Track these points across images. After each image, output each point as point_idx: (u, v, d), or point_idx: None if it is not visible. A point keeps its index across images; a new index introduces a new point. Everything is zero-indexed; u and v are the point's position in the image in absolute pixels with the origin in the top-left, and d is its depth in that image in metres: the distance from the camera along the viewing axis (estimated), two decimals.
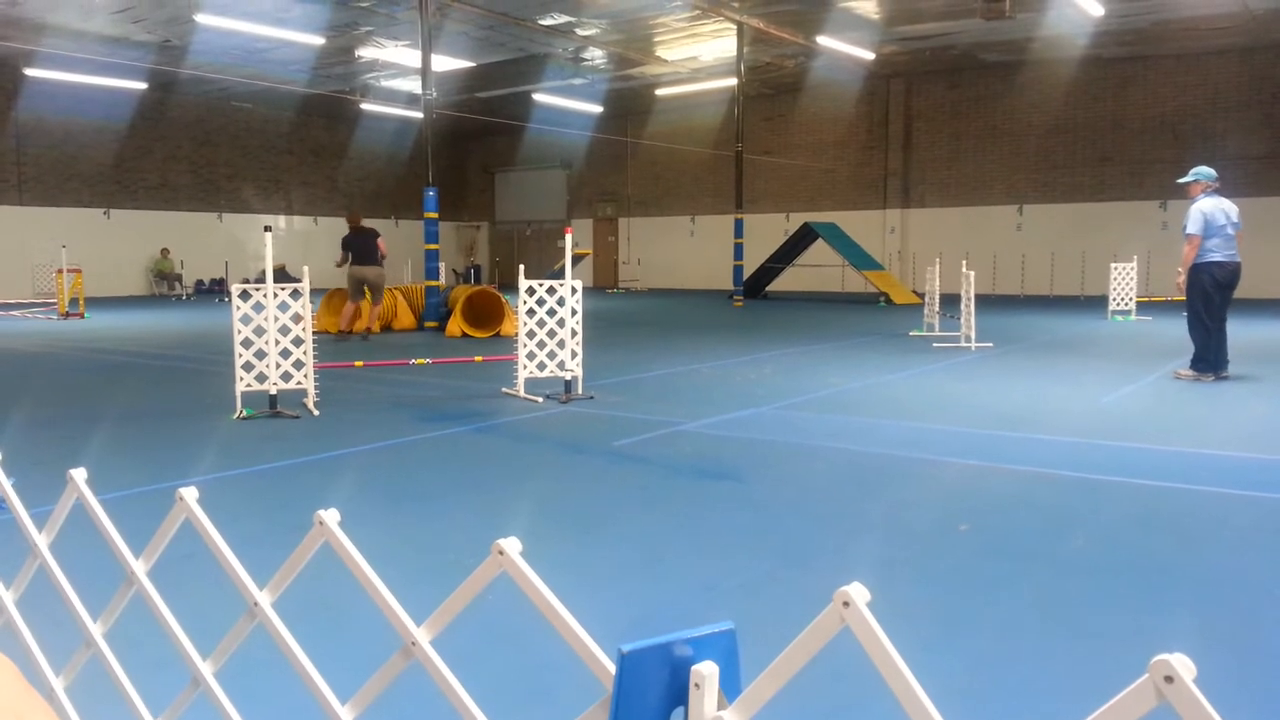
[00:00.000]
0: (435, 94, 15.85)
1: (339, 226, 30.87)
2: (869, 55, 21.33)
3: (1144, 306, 16.81)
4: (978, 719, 2.48)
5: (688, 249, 29.14)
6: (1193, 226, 8.39)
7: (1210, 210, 8.39)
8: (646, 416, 6.90)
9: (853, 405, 7.48)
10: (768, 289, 23.88)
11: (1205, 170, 8.65)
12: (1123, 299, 15.79)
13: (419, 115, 17.71)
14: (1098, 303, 18.55)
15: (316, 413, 7.04)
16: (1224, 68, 21.31)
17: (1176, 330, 13.76)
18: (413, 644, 1.46)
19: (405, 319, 14.75)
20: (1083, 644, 2.94)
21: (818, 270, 23.64)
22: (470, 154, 34.10)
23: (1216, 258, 8.39)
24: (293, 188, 29.70)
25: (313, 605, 3.08)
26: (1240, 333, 12.97)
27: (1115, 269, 15.98)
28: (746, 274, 22.24)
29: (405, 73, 23.08)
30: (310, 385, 7.14)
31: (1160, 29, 19.44)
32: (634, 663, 1.20)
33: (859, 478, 5.20)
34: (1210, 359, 8.58)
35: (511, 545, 1.35)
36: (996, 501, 4.65)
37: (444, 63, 20.61)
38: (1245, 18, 18.28)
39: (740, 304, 20.75)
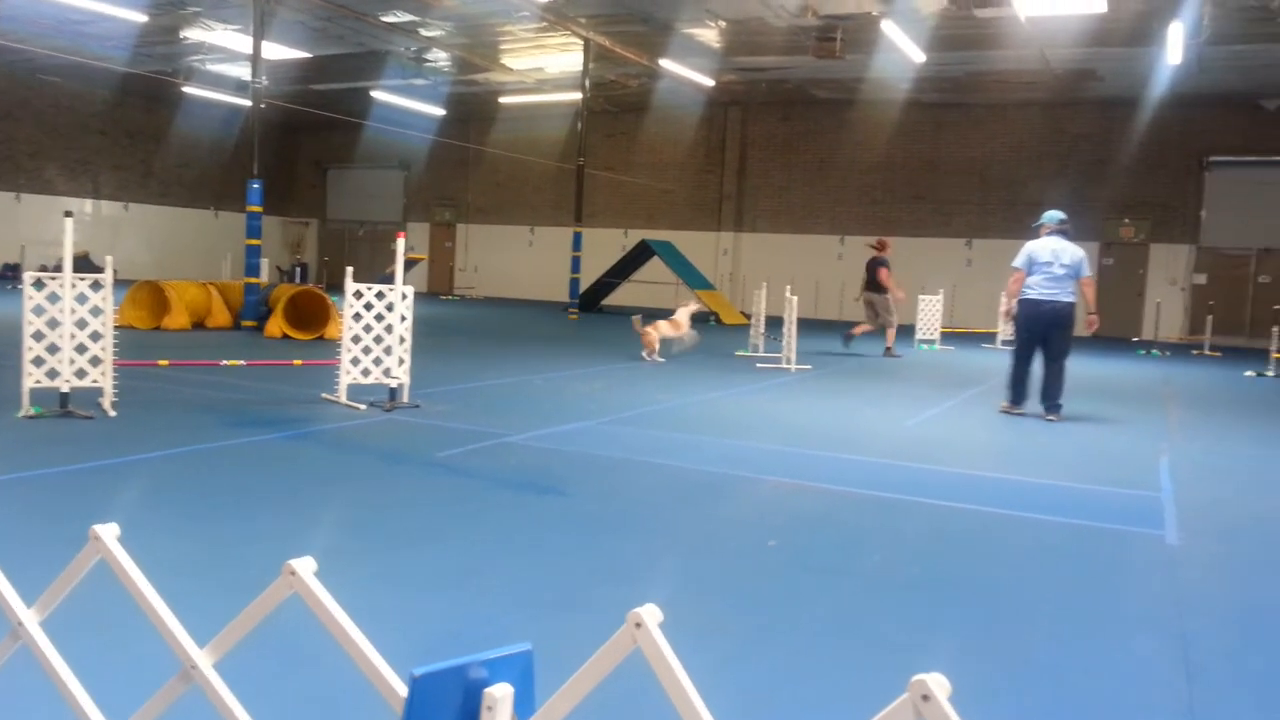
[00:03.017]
0: (266, 83, 15.16)
1: (151, 213, 29.05)
2: (709, 82, 21.93)
3: (948, 337, 17.97)
4: None
5: (526, 259, 29.01)
6: (1015, 261, 8.71)
7: (1035, 249, 8.59)
8: (473, 427, 6.82)
9: (678, 422, 7.64)
10: (603, 303, 24.09)
11: (1049, 214, 8.92)
12: (929, 329, 16.85)
13: (247, 103, 16.89)
14: (906, 331, 19.69)
15: (113, 413, 6.57)
16: (1028, 119, 23.15)
17: (976, 360, 14.81)
18: (192, 667, 1.39)
19: (221, 317, 13.99)
20: (877, 655, 3.12)
21: (652, 287, 24.03)
22: (302, 148, 32.76)
23: (1031, 295, 8.53)
24: (103, 171, 27.65)
25: (90, 625, 2.87)
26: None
27: (923, 301, 17.04)
28: (583, 287, 22.36)
29: (234, 58, 21.93)
30: (108, 384, 6.66)
31: (974, 79, 20.93)
32: (425, 686, 1.19)
33: (679, 493, 5.32)
34: (1016, 391, 8.81)
35: (304, 565, 1.31)
36: (805, 518, 4.86)
37: (277, 51, 19.72)
38: (1048, 75, 19.94)
39: (575, 317, 20.83)
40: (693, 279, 22.16)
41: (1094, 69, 19.33)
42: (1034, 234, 8.98)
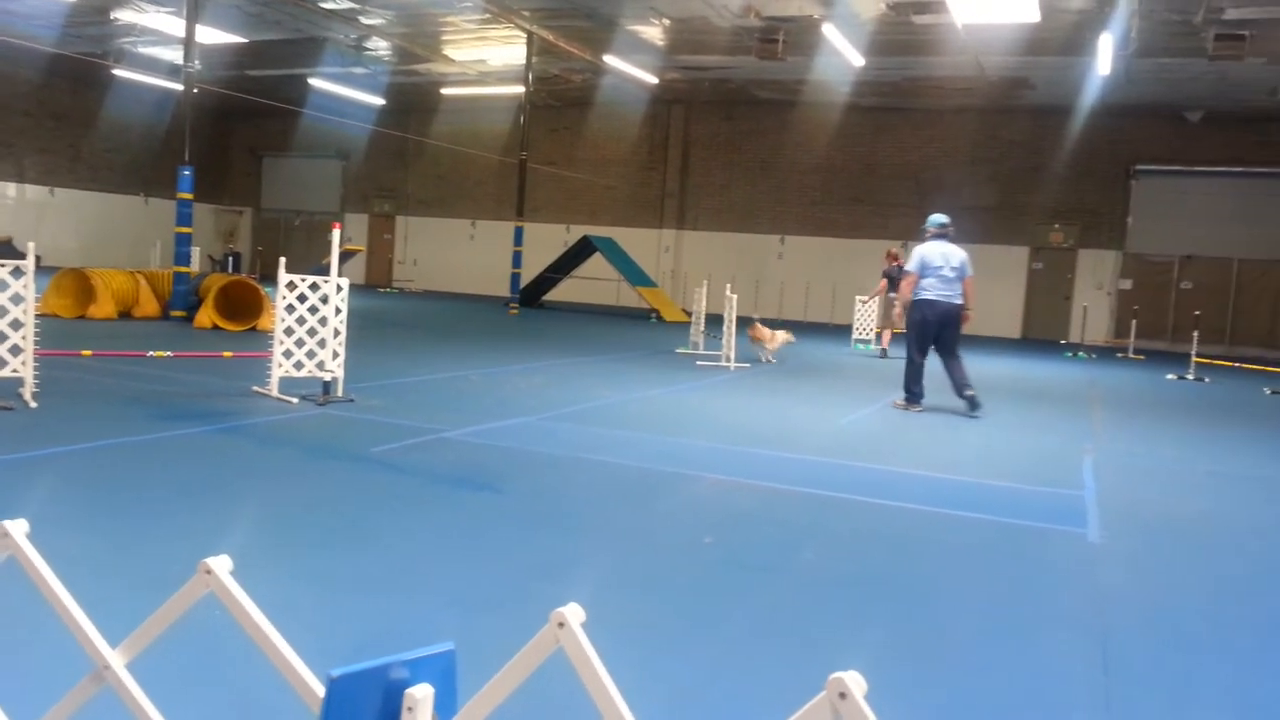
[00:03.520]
0: (199, 67, 14.79)
1: (78, 199, 28.13)
2: (653, 79, 21.96)
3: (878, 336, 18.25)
4: None
5: (466, 253, 28.76)
6: (909, 265, 9.14)
7: (927, 252, 8.97)
8: (409, 422, 6.74)
9: (616, 419, 7.65)
10: (544, 298, 24.00)
11: (933, 218, 9.32)
12: (864, 329, 17.12)
13: (179, 88, 16.45)
14: (844, 331, 19.96)
15: (34, 404, 6.35)
16: (962, 125, 23.62)
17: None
18: (105, 668, 1.35)
19: (149, 306, 13.61)
20: (806, 652, 3.15)
21: (594, 283, 24.01)
22: (237, 134, 32.02)
23: (928, 296, 8.91)
24: (27, 154, 26.70)
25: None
26: (976, 364, 14.39)
27: (860, 301, 17.32)
28: (524, 282, 22.24)
29: (167, 41, 21.35)
30: (29, 374, 6.44)
31: (911, 84, 21.28)
32: (343, 687, 1.17)
33: (617, 490, 5.32)
34: (915, 390, 9.15)
35: (220, 564, 1.28)
36: (741, 515, 4.90)
37: (211, 35, 19.24)
38: (982, 81, 20.37)
39: (516, 312, 20.72)
40: (634, 276, 22.18)
41: (1027, 77, 19.79)
42: (920, 235, 9.33)
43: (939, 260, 8.91)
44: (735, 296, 12.24)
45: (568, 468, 5.76)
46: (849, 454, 6.72)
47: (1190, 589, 4.17)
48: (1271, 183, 21.32)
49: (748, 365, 12.09)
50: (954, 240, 9.20)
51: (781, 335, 13.52)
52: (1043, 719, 2.77)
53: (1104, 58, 15.94)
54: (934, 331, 8.97)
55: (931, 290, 8.91)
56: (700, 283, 15.57)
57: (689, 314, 18.61)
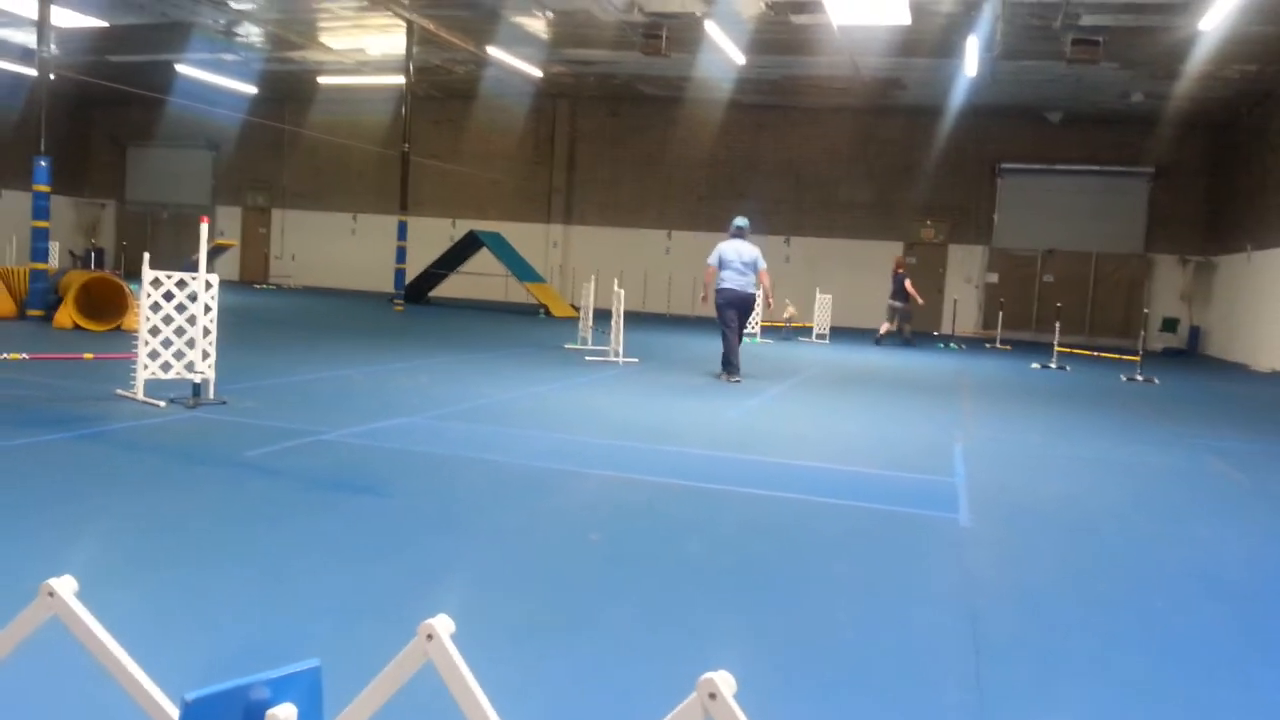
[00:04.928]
0: (56, 52, 13.95)
1: None
2: (537, 73, 21.81)
3: (766, 330, 18.63)
4: None
5: (348, 247, 28.01)
6: (709, 259, 10.72)
7: (723, 248, 10.65)
8: (285, 424, 6.51)
9: (504, 416, 7.57)
10: (430, 294, 23.58)
11: (736, 221, 11.07)
12: (749, 323, 17.39)
13: (34, 73, 15.47)
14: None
15: None
16: (839, 124, 24.28)
17: (794, 353, 15.43)
18: None
19: (4, 306, 12.78)
20: (689, 645, 3.19)
21: (481, 279, 23.72)
22: (98, 123, 30.34)
23: (724, 286, 10.56)
24: None
25: None
26: (856, 356, 14.85)
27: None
28: (409, 278, 21.80)
29: (19, 23, 20.03)
30: None
31: (790, 83, 21.75)
32: (199, 712, 1.12)
33: (502, 490, 5.27)
34: (733, 364, 10.67)
35: (64, 585, 1.21)
36: (626, 510, 4.92)
37: (68, 18, 18.16)
38: (858, 82, 20.97)
39: (401, 308, 20.29)
40: (522, 271, 22.01)
41: (900, 78, 20.47)
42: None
43: (733, 255, 10.61)
44: (623, 291, 12.28)
45: (453, 467, 5.67)
46: (735, 447, 6.83)
47: (1054, 569, 4.39)
48: (1126, 180, 22.67)
49: (636, 360, 12.15)
50: (751, 239, 10.94)
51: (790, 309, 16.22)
52: (917, 697, 2.87)
53: (970, 60, 16.63)
54: (734, 313, 10.55)
55: (729, 281, 10.55)
56: (588, 278, 15.57)
57: (577, 309, 18.58)
